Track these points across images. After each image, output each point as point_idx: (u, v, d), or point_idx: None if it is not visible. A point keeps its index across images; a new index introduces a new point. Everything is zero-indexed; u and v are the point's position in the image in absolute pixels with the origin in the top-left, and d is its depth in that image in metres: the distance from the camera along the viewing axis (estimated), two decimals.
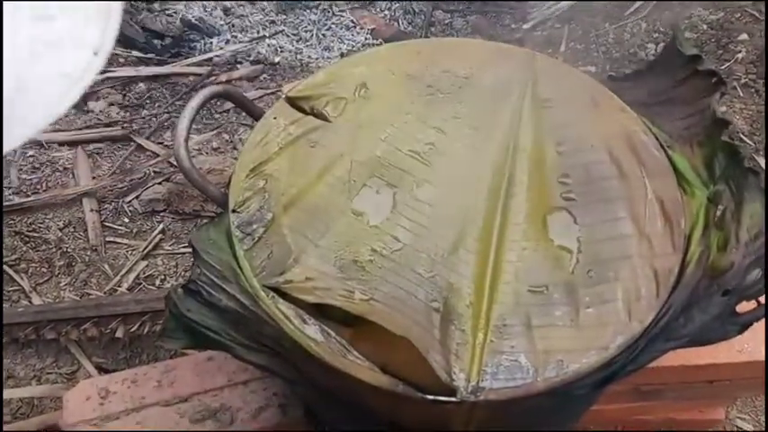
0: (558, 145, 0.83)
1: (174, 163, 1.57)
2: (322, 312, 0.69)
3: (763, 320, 0.92)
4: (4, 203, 1.54)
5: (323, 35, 2.01)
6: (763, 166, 1.55)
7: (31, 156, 1.65)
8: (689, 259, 0.73)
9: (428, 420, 0.68)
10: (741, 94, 1.72)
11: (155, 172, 1.61)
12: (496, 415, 0.67)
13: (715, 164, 0.79)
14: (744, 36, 1.83)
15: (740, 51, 1.78)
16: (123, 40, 1.93)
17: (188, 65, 1.91)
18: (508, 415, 0.69)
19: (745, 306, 0.72)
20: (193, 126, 1.78)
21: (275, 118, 0.86)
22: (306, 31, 2.02)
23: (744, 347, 0.98)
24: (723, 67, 1.76)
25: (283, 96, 0.88)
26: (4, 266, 1.45)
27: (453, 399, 0.64)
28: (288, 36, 2.01)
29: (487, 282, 0.71)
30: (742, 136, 1.63)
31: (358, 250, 0.73)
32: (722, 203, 0.74)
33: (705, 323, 0.68)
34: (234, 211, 0.77)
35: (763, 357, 0.98)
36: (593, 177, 0.80)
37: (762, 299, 0.70)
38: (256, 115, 0.89)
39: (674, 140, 0.83)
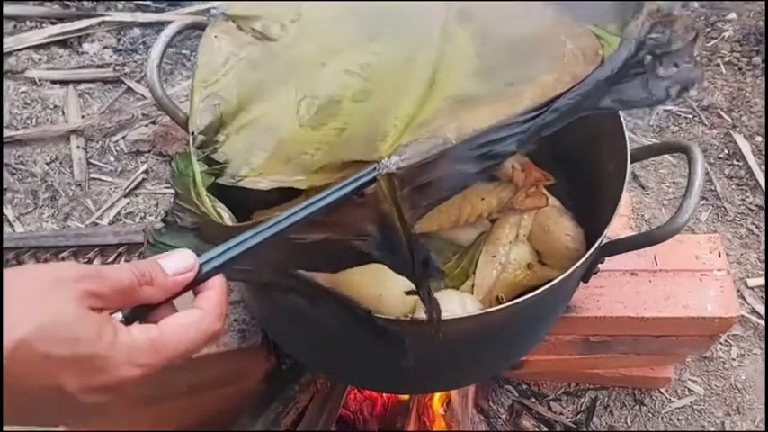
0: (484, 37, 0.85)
1: None
2: None
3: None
4: None
5: None
6: (739, 142, 1.57)
7: (23, 92, 1.68)
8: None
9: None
10: (723, 72, 1.73)
11: (143, 114, 1.64)
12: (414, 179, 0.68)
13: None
14: (732, 15, 1.84)
15: (727, 30, 1.80)
16: None
17: (184, 14, 1.93)
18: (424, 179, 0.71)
19: None
20: (183, 73, 1.81)
21: (215, 36, 0.88)
22: None
23: (688, 303, 1.01)
24: (709, 45, 1.78)
25: (220, 13, 0.90)
26: None
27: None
28: None
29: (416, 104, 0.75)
30: (720, 112, 1.65)
31: (304, 149, 0.77)
32: None
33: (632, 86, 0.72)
34: (192, 134, 0.81)
35: (706, 314, 1.01)
36: (517, 51, 0.82)
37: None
38: None
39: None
